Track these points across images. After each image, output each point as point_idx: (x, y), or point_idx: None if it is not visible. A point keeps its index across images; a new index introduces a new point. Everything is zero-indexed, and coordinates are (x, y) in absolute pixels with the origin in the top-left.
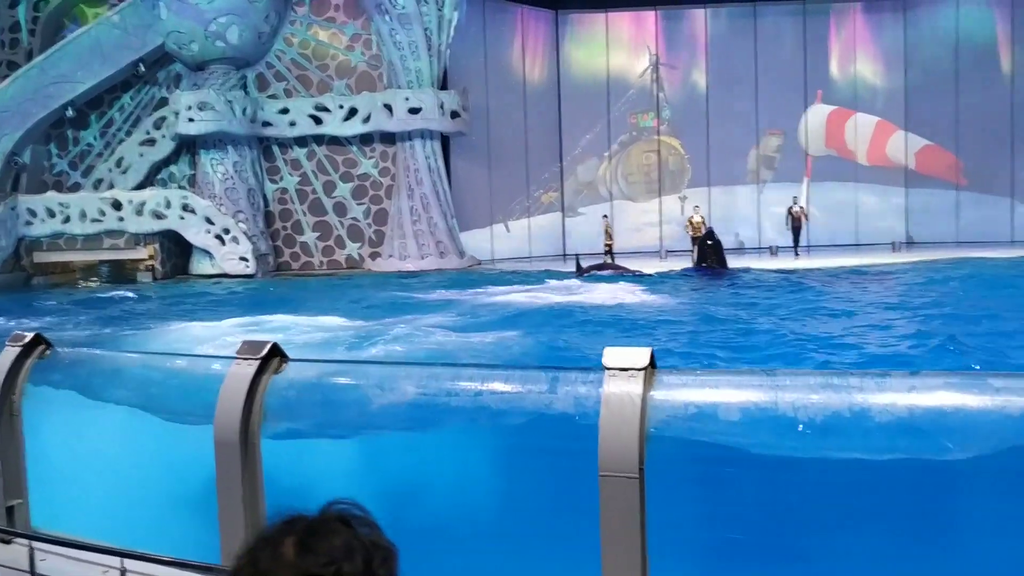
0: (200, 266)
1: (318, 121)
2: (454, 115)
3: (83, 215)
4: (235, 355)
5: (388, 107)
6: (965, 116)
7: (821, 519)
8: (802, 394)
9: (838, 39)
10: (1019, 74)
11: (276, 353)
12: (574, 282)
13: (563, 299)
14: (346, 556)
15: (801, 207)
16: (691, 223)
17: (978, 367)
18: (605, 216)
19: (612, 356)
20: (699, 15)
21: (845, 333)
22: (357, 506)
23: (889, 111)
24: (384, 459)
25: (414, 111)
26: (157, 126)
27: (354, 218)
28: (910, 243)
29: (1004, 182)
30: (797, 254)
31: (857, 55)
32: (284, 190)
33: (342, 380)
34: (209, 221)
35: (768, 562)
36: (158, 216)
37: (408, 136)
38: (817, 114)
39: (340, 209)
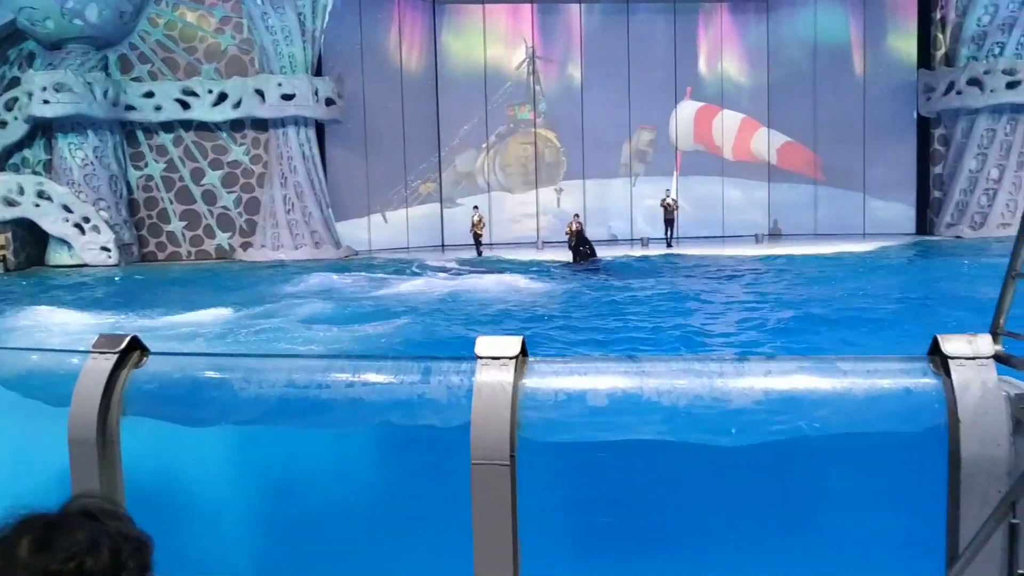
0: (57, 256)
1: (185, 106)
2: (329, 102)
3: None
4: (91, 349)
5: (260, 93)
6: (822, 114)
7: (686, 499)
8: (666, 379)
9: (706, 38)
10: (871, 76)
11: (136, 346)
12: (455, 269)
13: (449, 287)
14: (90, 550)
15: (673, 199)
16: (570, 229)
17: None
18: (476, 207)
19: (484, 345)
20: (574, 9)
21: (710, 319)
22: (107, 500)
23: (753, 108)
24: (255, 453)
25: (287, 97)
26: (8, 107)
27: (224, 207)
28: (773, 235)
29: (857, 178)
30: (669, 245)
31: (724, 54)
32: (149, 177)
33: (209, 373)
34: (67, 209)
35: (638, 544)
36: (10, 203)
37: (281, 123)
38: (686, 110)
39: (209, 197)
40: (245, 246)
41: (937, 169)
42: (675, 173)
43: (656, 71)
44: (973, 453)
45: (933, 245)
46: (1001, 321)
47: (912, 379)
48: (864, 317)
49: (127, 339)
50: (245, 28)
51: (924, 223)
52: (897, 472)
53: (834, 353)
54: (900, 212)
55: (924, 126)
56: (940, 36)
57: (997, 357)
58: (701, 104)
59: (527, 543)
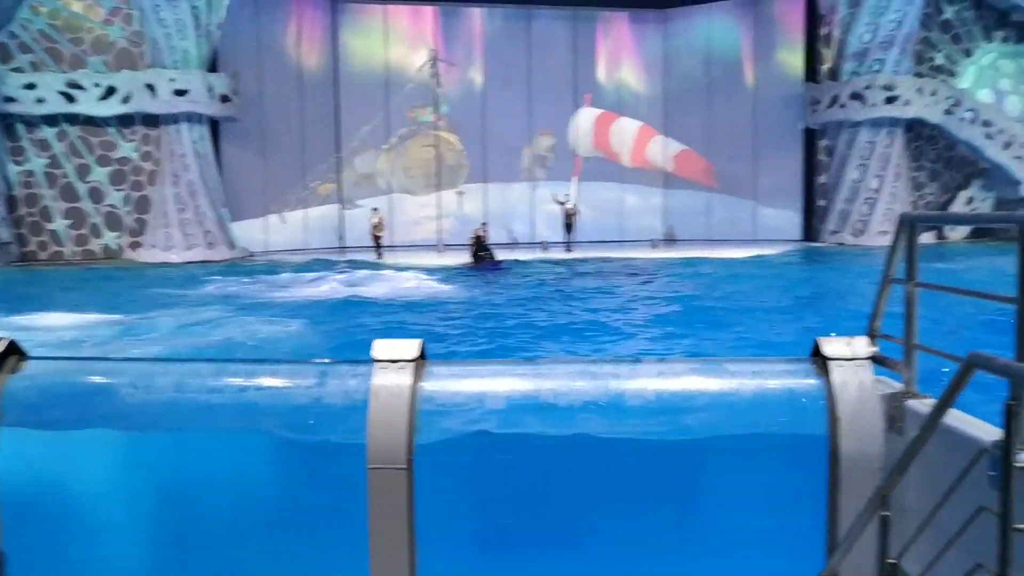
0: None
1: (71, 99)
2: (224, 99)
3: None
4: None
5: (151, 87)
6: (715, 124)
7: (583, 497)
8: (562, 381)
9: (605, 46)
10: (761, 88)
11: (14, 351)
12: (362, 272)
13: (348, 290)
14: None
15: (574, 204)
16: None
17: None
18: (376, 209)
19: (381, 348)
20: (476, 14)
21: (606, 320)
22: None
23: (650, 116)
24: (144, 458)
25: (180, 93)
26: None
27: (112, 205)
28: (669, 240)
29: (748, 186)
30: (569, 249)
31: (622, 63)
32: (30, 173)
33: (93, 379)
34: None
35: (536, 542)
36: None
37: (174, 119)
38: (586, 117)
39: (96, 195)
40: (134, 246)
41: (822, 179)
42: (575, 178)
43: (556, 77)
44: (851, 450)
45: (817, 251)
46: (877, 324)
47: (795, 380)
48: (750, 317)
49: (4, 343)
50: (136, 20)
51: (810, 230)
52: (781, 468)
53: (721, 354)
54: (788, 219)
55: (810, 137)
56: (825, 52)
57: (873, 358)
58: (600, 111)
59: (426, 546)
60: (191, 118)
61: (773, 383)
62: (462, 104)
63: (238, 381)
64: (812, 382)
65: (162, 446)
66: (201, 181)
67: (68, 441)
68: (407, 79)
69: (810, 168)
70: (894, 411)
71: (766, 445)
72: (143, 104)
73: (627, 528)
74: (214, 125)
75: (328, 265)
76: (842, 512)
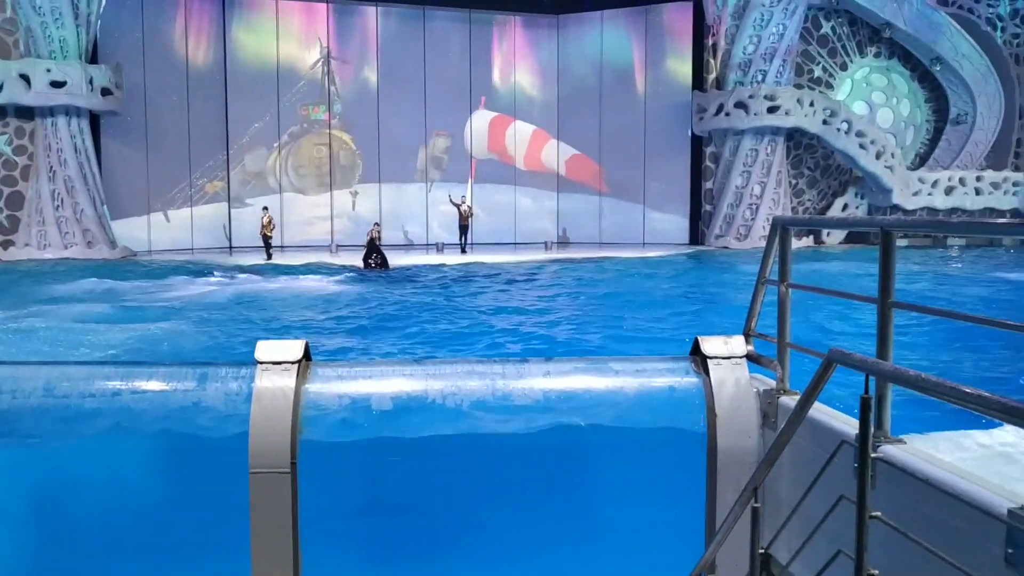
0: None
1: None
2: (105, 92)
3: None
4: None
5: (25, 78)
6: (607, 129)
7: (471, 496)
8: (450, 381)
9: (500, 50)
10: (650, 95)
11: None
12: (248, 274)
13: (233, 291)
14: None
15: (469, 206)
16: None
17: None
18: (266, 208)
19: (264, 349)
20: (371, 12)
21: (500, 321)
22: None
23: (544, 121)
24: (10, 465)
25: (57, 84)
26: None
27: None
28: (562, 243)
29: (638, 191)
30: (464, 250)
31: (517, 66)
32: None
33: None
34: None
35: (424, 542)
36: None
37: (50, 112)
38: (481, 119)
39: None
40: (6, 244)
41: (708, 184)
42: (470, 180)
43: (452, 79)
44: (727, 444)
45: (703, 254)
46: (752, 324)
47: (676, 377)
48: (636, 318)
49: None
50: (8, 6)
51: (697, 234)
52: (663, 462)
53: (609, 352)
54: (676, 223)
55: (697, 144)
56: (712, 61)
57: (749, 356)
58: (495, 114)
59: (311, 550)
60: (69, 111)
61: (656, 381)
62: (356, 103)
63: (113, 384)
64: (692, 380)
65: (30, 453)
66: (79, 177)
67: None
68: (299, 76)
69: (697, 174)
70: (768, 407)
71: (648, 440)
72: (16, 95)
73: (515, 525)
74: (95, 119)
75: (213, 266)
76: (720, 504)
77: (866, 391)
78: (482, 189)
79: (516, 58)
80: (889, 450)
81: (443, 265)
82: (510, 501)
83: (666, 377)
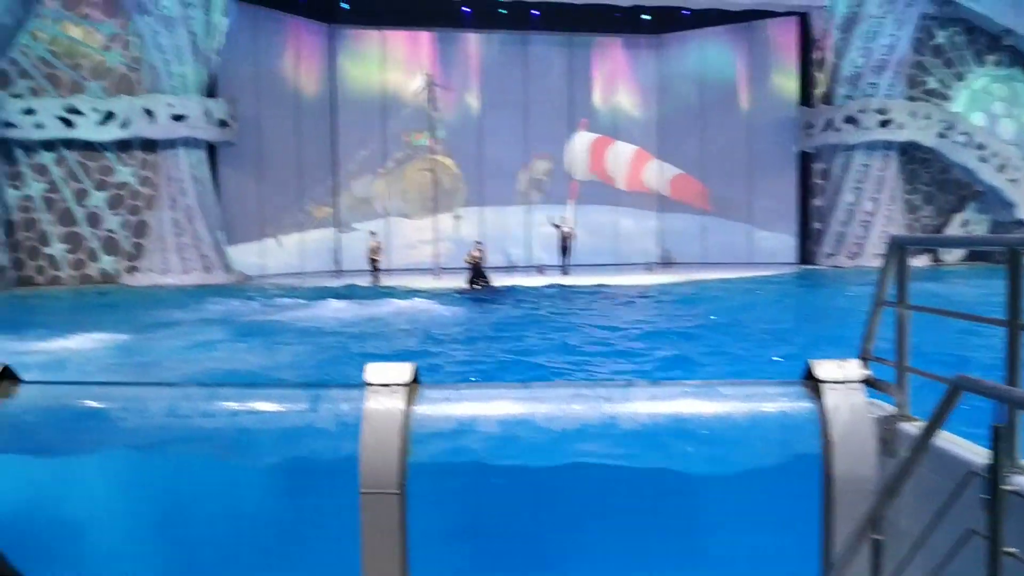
0: None
1: (69, 124)
2: (222, 124)
3: None
4: None
5: (149, 112)
6: (710, 148)
7: (577, 521)
8: (555, 404)
9: (600, 71)
10: (755, 111)
11: (7, 375)
12: (360, 297)
13: (346, 313)
14: None
15: (571, 227)
16: (471, 257)
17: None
18: (374, 232)
19: (374, 372)
20: (473, 39)
21: (603, 343)
22: None
23: (645, 141)
24: (137, 483)
25: (178, 118)
26: None
27: (110, 230)
28: (665, 263)
29: (743, 209)
30: (565, 272)
31: (617, 87)
32: (28, 197)
33: (86, 403)
34: None
35: (530, 567)
36: None
37: (172, 144)
38: (582, 141)
39: (94, 220)
40: (131, 270)
41: (817, 202)
42: (571, 201)
43: (552, 102)
44: (844, 472)
45: (813, 273)
46: (869, 347)
47: (788, 402)
48: (752, 339)
49: None
50: (134, 46)
51: (806, 253)
52: (775, 491)
53: (717, 375)
54: (783, 242)
55: (805, 160)
56: (819, 76)
57: (866, 381)
58: (596, 135)
59: (419, 571)
60: (189, 143)
61: (766, 406)
62: (458, 128)
63: (231, 406)
64: (805, 405)
65: (155, 471)
66: (198, 205)
67: (61, 466)
68: (404, 104)
69: (805, 191)
70: (887, 434)
71: (759, 468)
72: (141, 129)
73: (620, 553)
74: (212, 149)
75: (326, 290)
76: (836, 535)
77: (996, 418)
78: (583, 210)
79: (616, 79)
80: (1022, 481)
81: (545, 286)
82: (615, 528)
83: (777, 402)
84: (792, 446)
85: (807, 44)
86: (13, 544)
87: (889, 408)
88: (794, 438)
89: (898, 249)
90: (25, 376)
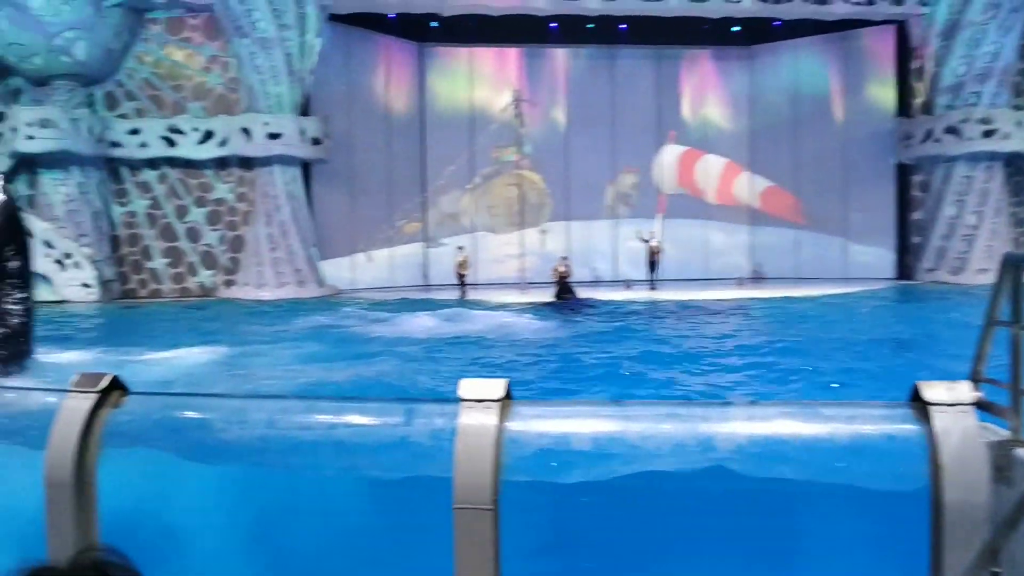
0: (37, 292)
1: (171, 143)
2: (315, 142)
3: None
4: (69, 388)
5: (246, 131)
6: (803, 160)
7: (670, 543)
8: (649, 423)
9: (689, 84)
10: (849, 123)
11: (116, 386)
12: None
13: (437, 327)
14: None
15: (659, 241)
16: (557, 271)
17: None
18: (461, 247)
19: (468, 388)
20: (560, 55)
21: (697, 362)
22: (115, 552)
23: (736, 153)
24: (237, 493)
25: (274, 136)
26: None
27: (208, 244)
28: (756, 278)
29: (838, 223)
30: (653, 287)
31: (707, 99)
32: (133, 214)
33: (189, 414)
34: (48, 245)
35: None
36: None
37: (267, 162)
38: (670, 154)
39: (193, 235)
40: (228, 284)
41: (916, 215)
42: (659, 215)
43: (640, 115)
44: (955, 500)
45: (913, 289)
46: (980, 368)
47: (893, 425)
48: (853, 360)
49: (106, 378)
50: (233, 67)
51: (904, 268)
52: (880, 518)
53: (815, 397)
54: (881, 257)
55: (903, 172)
56: (918, 85)
57: (977, 404)
58: (684, 148)
59: None
60: (284, 160)
61: (870, 428)
62: (545, 143)
63: (327, 418)
64: (912, 428)
65: (254, 482)
66: (293, 221)
67: (166, 474)
68: (491, 119)
69: (903, 204)
70: (1001, 460)
71: (863, 494)
72: (239, 147)
73: None
74: (305, 166)
75: (417, 303)
76: (947, 567)
77: None
78: (671, 224)
79: (706, 91)
80: None
81: (632, 301)
82: (710, 553)
83: (882, 424)
84: (898, 471)
85: (905, 53)
86: (125, 547)
87: (1003, 433)
88: (900, 463)
89: (1012, 267)
90: (133, 387)
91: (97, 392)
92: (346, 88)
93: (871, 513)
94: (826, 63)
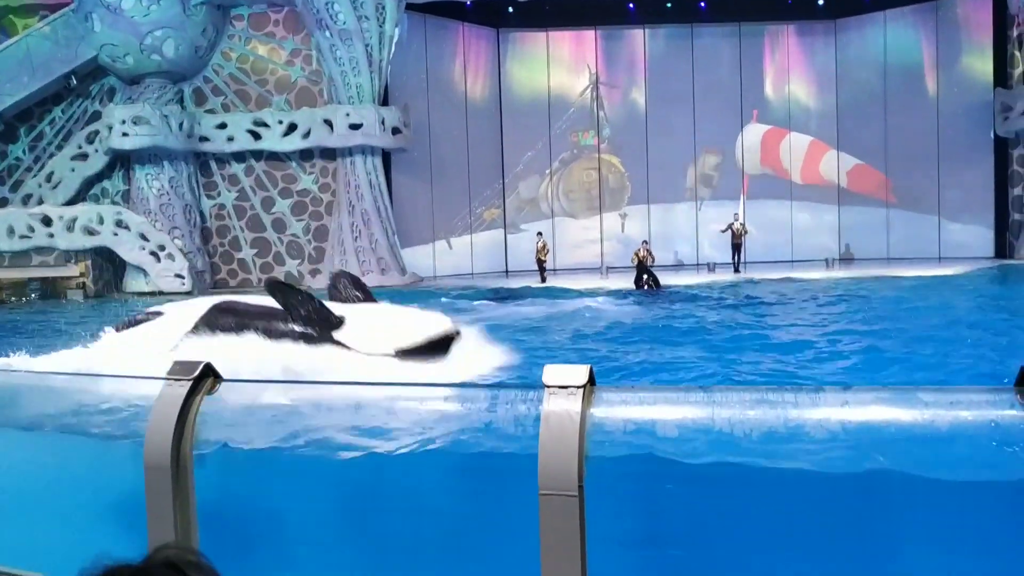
0: (134, 283)
1: (257, 136)
2: (395, 131)
3: (11, 231)
4: (166, 376)
5: (328, 123)
6: (893, 136)
7: (759, 533)
8: (738, 410)
9: (772, 60)
10: (944, 96)
11: (210, 373)
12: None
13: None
14: None
15: (742, 223)
16: (637, 256)
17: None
18: (540, 233)
19: (551, 374)
20: (638, 35)
21: (787, 348)
22: (189, 550)
23: (822, 131)
24: (328, 479)
25: (355, 127)
26: (90, 140)
27: (293, 234)
28: (845, 259)
29: (931, 200)
30: (737, 270)
31: (791, 76)
32: (221, 206)
33: (280, 400)
34: (144, 238)
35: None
36: (90, 232)
37: (349, 152)
38: (753, 133)
39: (279, 225)
40: (314, 273)
41: (1016, 191)
42: (742, 197)
43: (721, 94)
44: None
45: (1013, 269)
46: None
47: (998, 411)
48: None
49: (201, 366)
50: (314, 60)
51: (1004, 247)
52: (986, 509)
53: (908, 382)
54: (977, 235)
55: (1002, 147)
56: (1017, 54)
57: None
58: (768, 127)
59: (596, 573)
60: (365, 150)
61: (972, 414)
62: (624, 125)
63: (413, 404)
64: (1018, 414)
65: (344, 467)
66: (374, 210)
67: (260, 461)
68: (569, 103)
69: (1003, 180)
70: None
71: (967, 484)
72: (321, 139)
73: (806, 570)
74: (386, 156)
75: (501, 290)
76: None
77: None
78: (755, 205)
79: (789, 67)
80: None
81: (716, 283)
82: (798, 544)
83: (986, 410)
84: (1005, 459)
85: (1003, 21)
86: (217, 534)
87: None
88: (1006, 451)
89: None
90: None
91: (191, 379)
92: (425, 76)
93: (975, 504)
94: (918, 34)
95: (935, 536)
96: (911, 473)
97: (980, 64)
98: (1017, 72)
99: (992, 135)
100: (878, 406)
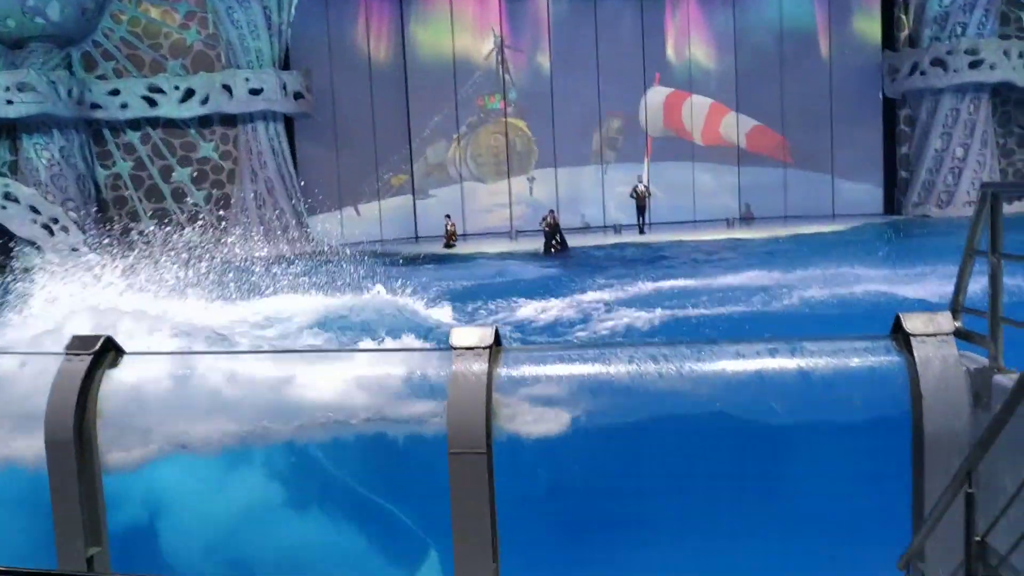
0: (27, 258)
1: (152, 103)
2: (297, 96)
3: None
4: (65, 350)
5: (227, 88)
6: (789, 98)
7: (658, 484)
8: (638, 364)
9: (673, 24)
10: (836, 59)
11: (111, 347)
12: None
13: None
14: None
15: (645, 186)
16: (545, 222)
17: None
18: (448, 216)
19: (459, 335)
20: None
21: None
22: None
23: (721, 93)
24: (234, 450)
25: (255, 92)
26: None
27: (195, 204)
28: (745, 218)
29: (825, 160)
30: (642, 231)
31: (691, 40)
32: (117, 176)
33: (184, 371)
34: (34, 210)
35: (616, 526)
36: None
37: (250, 118)
38: (655, 96)
39: (179, 195)
40: (218, 242)
41: (903, 149)
42: (646, 159)
43: (624, 58)
44: (936, 427)
45: (900, 224)
46: (960, 298)
47: (876, 357)
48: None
49: (101, 339)
50: (210, 23)
51: (892, 203)
52: (864, 447)
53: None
54: (868, 193)
55: (890, 107)
56: (903, 18)
57: (957, 333)
58: (670, 90)
59: (507, 529)
60: (266, 116)
61: (853, 361)
62: (530, 90)
63: (326, 368)
64: (894, 359)
65: (255, 437)
66: (278, 178)
67: (164, 433)
68: (475, 67)
69: (890, 139)
70: (980, 387)
71: (847, 424)
72: (220, 105)
73: (705, 512)
74: (288, 122)
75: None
76: (928, 491)
77: None
78: (659, 167)
79: (690, 31)
80: None
81: (622, 244)
82: (700, 488)
83: (865, 357)
84: (881, 401)
85: None
86: (130, 505)
87: (982, 361)
88: (883, 393)
89: (990, 197)
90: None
91: (92, 353)
92: (326, 40)
93: (855, 442)
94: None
95: (822, 474)
96: (800, 417)
97: (869, 27)
98: (903, 35)
99: (881, 96)
100: (767, 357)
